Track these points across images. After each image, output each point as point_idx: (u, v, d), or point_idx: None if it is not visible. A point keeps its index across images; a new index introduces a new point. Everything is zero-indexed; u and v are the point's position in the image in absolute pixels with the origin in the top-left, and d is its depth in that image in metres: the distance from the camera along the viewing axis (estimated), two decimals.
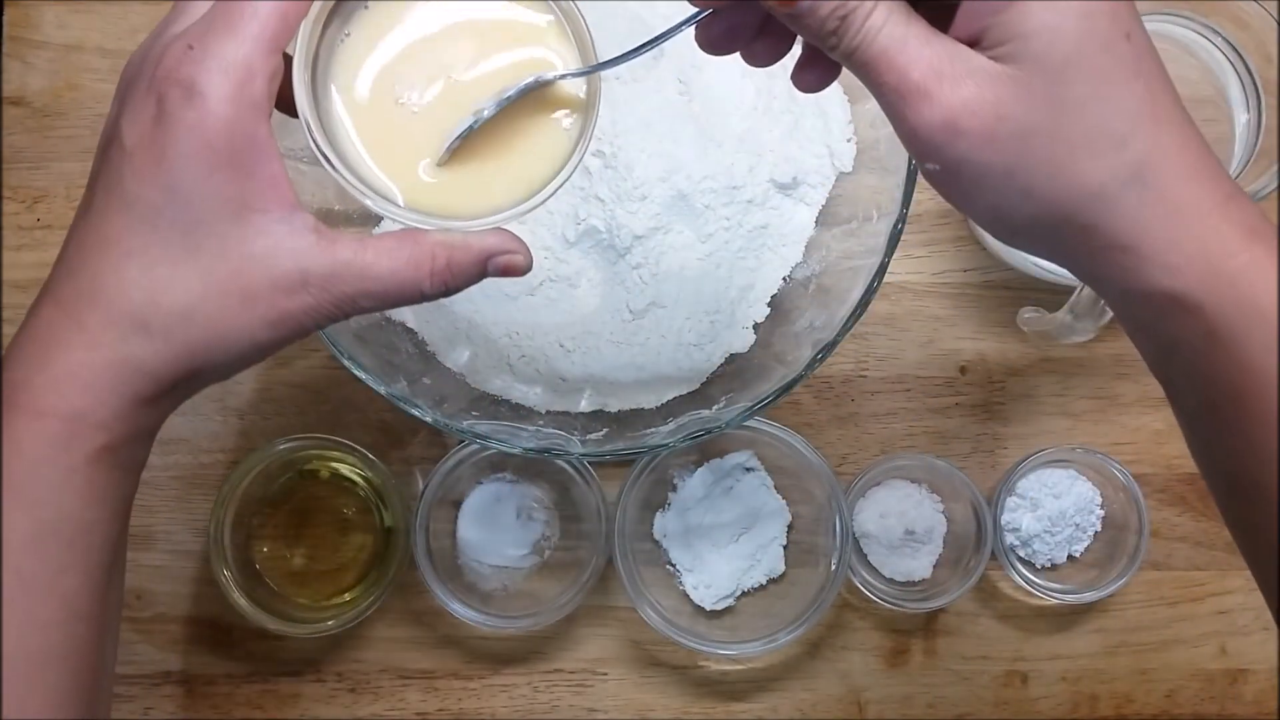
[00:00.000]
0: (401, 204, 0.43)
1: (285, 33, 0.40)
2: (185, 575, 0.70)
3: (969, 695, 0.71)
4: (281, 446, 0.66)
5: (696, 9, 0.41)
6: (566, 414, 0.65)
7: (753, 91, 0.65)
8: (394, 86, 0.43)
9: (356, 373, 0.57)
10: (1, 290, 0.70)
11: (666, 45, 0.61)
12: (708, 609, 0.69)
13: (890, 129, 0.59)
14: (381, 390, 0.57)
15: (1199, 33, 0.60)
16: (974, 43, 0.37)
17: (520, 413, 0.65)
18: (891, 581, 0.71)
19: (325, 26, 0.43)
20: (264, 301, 0.41)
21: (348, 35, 0.43)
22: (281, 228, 0.41)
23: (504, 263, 0.43)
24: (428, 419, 0.58)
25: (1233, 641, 0.71)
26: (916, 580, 0.71)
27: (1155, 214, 0.38)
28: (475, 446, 0.67)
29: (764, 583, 0.70)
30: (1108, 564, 0.71)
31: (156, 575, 0.70)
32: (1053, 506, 0.70)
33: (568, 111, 0.45)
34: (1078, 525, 0.71)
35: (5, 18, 0.71)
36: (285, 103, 0.43)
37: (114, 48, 0.71)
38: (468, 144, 0.44)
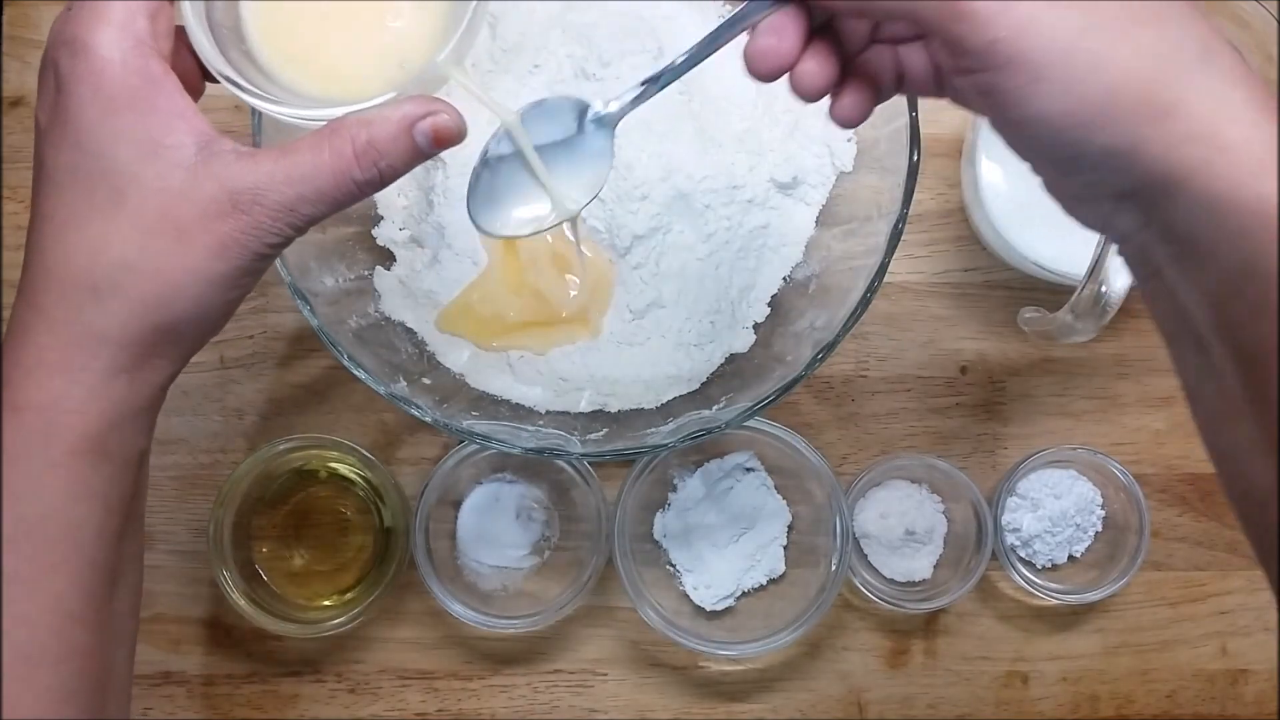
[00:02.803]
0: (307, 104, 0.42)
1: None
2: (185, 575, 0.70)
3: (969, 696, 0.71)
4: (281, 446, 0.66)
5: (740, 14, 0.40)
6: (566, 414, 0.65)
7: (753, 91, 0.65)
8: (299, 7, 0.44)
9: (356, 373, 0.57)
10: (1, 290, 0.70)
11: (666, 45, 0.62)
12: (708, 609, 0.69)
13: (891, 128, 0.60)
14: (381, 390, 0.57)
15: None
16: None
17: (520, 413, 0.65)
18: (892, 582, 0.71)
19: None
20: (199, 232, 0.40)
21: None
22: (197, 156, 0.40)
23: (430, 126, 0.40)
24: (428, 419, 0.58)
25: (1233, 642, 0.71)
26: (917, 580, 0.71)
27: (1236, 104, 0.35)
28: (475, 446, 0.67)
29: (764, 583, 0.70)
30: (1108, 564, 0.71)
31: (156, 575, 0.70)
32: (1053, 507, 0.70)
33: None
34: (1078, 525, 0.70)
35: (5, 17, 0.71)
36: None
37: None
38: (358, 23, 0.43)
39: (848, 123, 0.42)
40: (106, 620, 0.43)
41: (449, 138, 0.41)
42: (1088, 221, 0.40)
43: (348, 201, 0.41)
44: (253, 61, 0.43)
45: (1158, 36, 0.35)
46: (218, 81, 0.42)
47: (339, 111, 0.41)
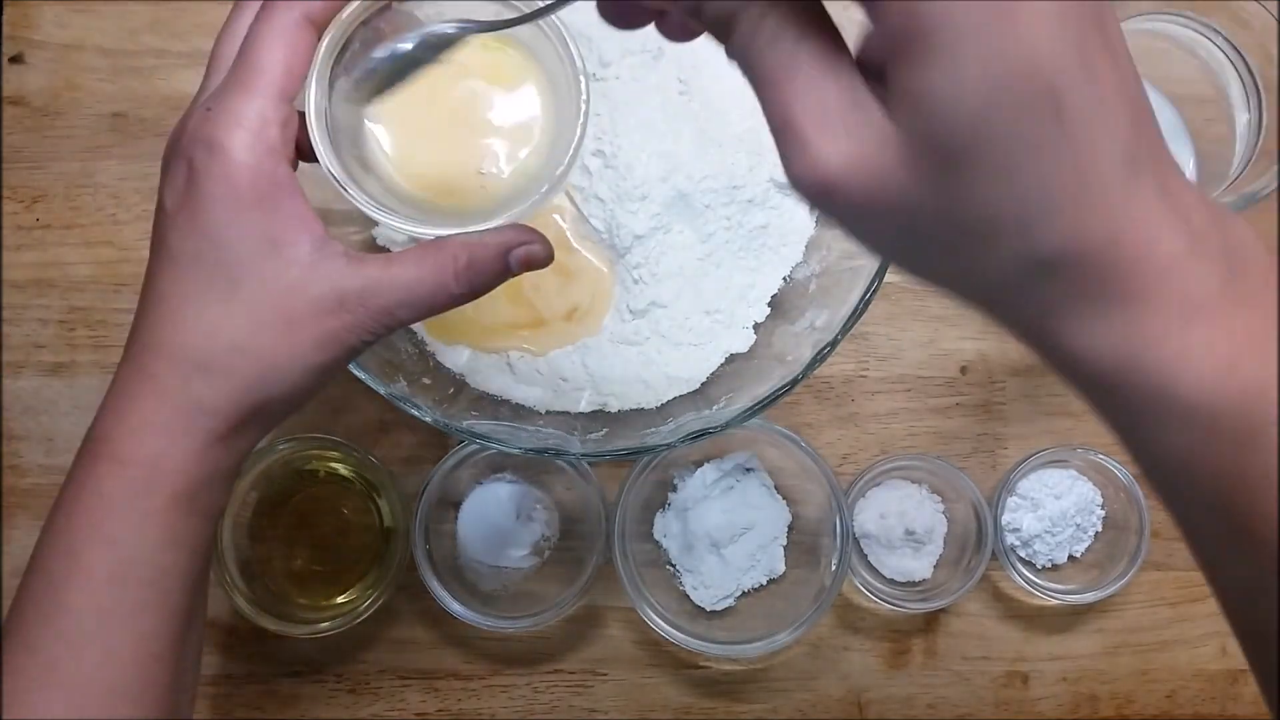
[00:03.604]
0: (418, 220, 0.46)
1: (290, 85, 0.44)
2: None
3: (969, 696, 0.71)
4: (281, 446, 0.66)
5: None
6: (566, 414, 0.65)
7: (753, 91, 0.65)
8: (417, 121, 0.48)
9: (356, 373, 0.57)
10: (1, 290, 0.70)
11: (666, 46, 0.62)
12: (708, 609, 0.69)
13: None
14: (381, 390, 0.57)
15: (1199, 32, 0.60)
16: (880, 76, 0.30)
17: (520, 413, 0.65)
18: (892, 582, 0.71)
19: (341, 79, 0.46)
20: (307, 325, 0.44)
21: (368, 91, 0.47)
22: (312, 256, 0.44)
23: (524, 255, 0.45)
24: (428, 419, 0.58)
25: (1233, 642, 0.70)
26: (917, 580, 0.71)
27: (1073, 308, 0.31)
28: (475, 446, 0.67)
29: (764, 583, 0.70)
30: (1108, 564, 0.71)
31: None
32: (1053, 507, 0.70)
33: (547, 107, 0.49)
34: (1078, 525, 0.71)
35: (5, 17, 0.71)
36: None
37: (113, 47, 0.71)
38: (462, 151, 0.48)
39: (672, 37, 0.39)
40: (179, 662, 0.46)
41: (537, 265, 0.46)
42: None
43: (439, 310, 0.45)
44: (365, 166, 0.47)
45: (987, 261, 0.31)
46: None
47: (446, 232, 0.45)
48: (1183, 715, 0.71)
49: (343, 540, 0.70)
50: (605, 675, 0.71)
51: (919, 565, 0.71)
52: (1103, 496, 0.71)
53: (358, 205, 0.45)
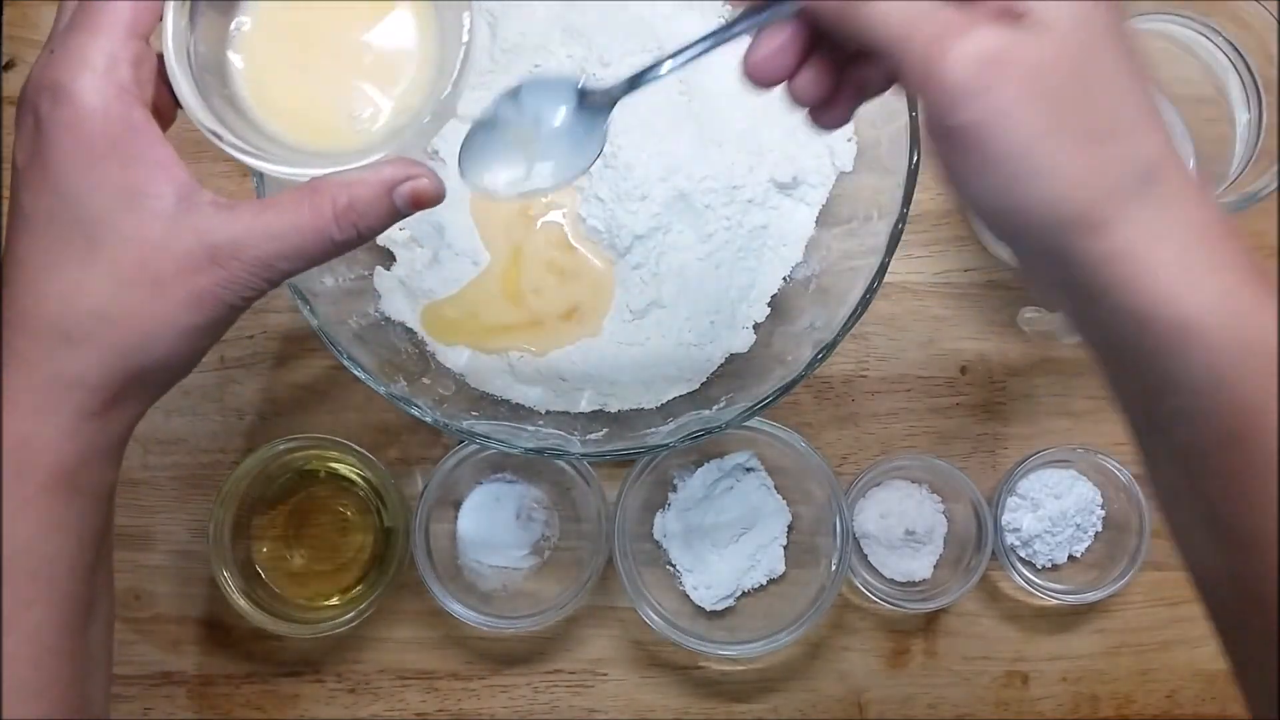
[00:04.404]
0: (290, 161, 0.42)
1: (141, 20, 0.40)
2: (185, 575, 0.70)
3: (970, 696, 0.71)
4: (281, 446, 0.66)
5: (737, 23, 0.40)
6: (566, 414, 0.65)
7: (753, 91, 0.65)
8: (286, 56, 0.44)
9: (356, 373, 0.57)
10: (1, 290, 0.70)
11: (667, 45, 0.62)
12: (708, 609, 0.69)
13: (892, 128, 0.60)
14: (381, 390, 0.57)
15: (1199, 32, 0.60)
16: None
17: (520, 413, 0.65)
18: (892, 582, 0.71)
19: (204, 13, 0.43)
20: (176, 284, 0.40)
21: (241, 23, 0.44)
22: (176, 207, 0.40)
23: (409, 191, 0.41)
24: (428, 419, 0.58)
25: None
26: (917, 580, 0.71)
27: (1168, 226, 0.36)
28: (475, 446, 0.67)
29: (764, 583, 0.70)
30: (1109, 564, 0.71)
31: (156, 575, 0.70)
32: (1053, 507, 0.70)
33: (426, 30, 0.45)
34: (1078, 525, 0.70)
35: (5, 17, 0.71)
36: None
37: None
38: (337, 87, 0.44)
39: (831, 128, 0.42)
40: (82, 652, 0.43)
41: (427, 200, 0.42)
42: (1038, 289, 0.41)
43: (324, 258, 0.41)
44: (234, 106, 0.43)
45: (1109, 155, 0.36)
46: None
47: (321, 171, 0.41)
48: (1183, 715, 0.71)
49: (343, 540, 0.70)
50: (605, 675, 0.71)
51: (919, 565, 0.71)
52: (1103, 496, 0.71)
53: (223, 148, 0.41)
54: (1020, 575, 0.69)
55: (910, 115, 0.57)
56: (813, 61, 0.40)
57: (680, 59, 0.42)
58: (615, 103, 0.44)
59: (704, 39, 0.42)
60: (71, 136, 0.39)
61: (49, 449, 0.41)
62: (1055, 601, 0.70)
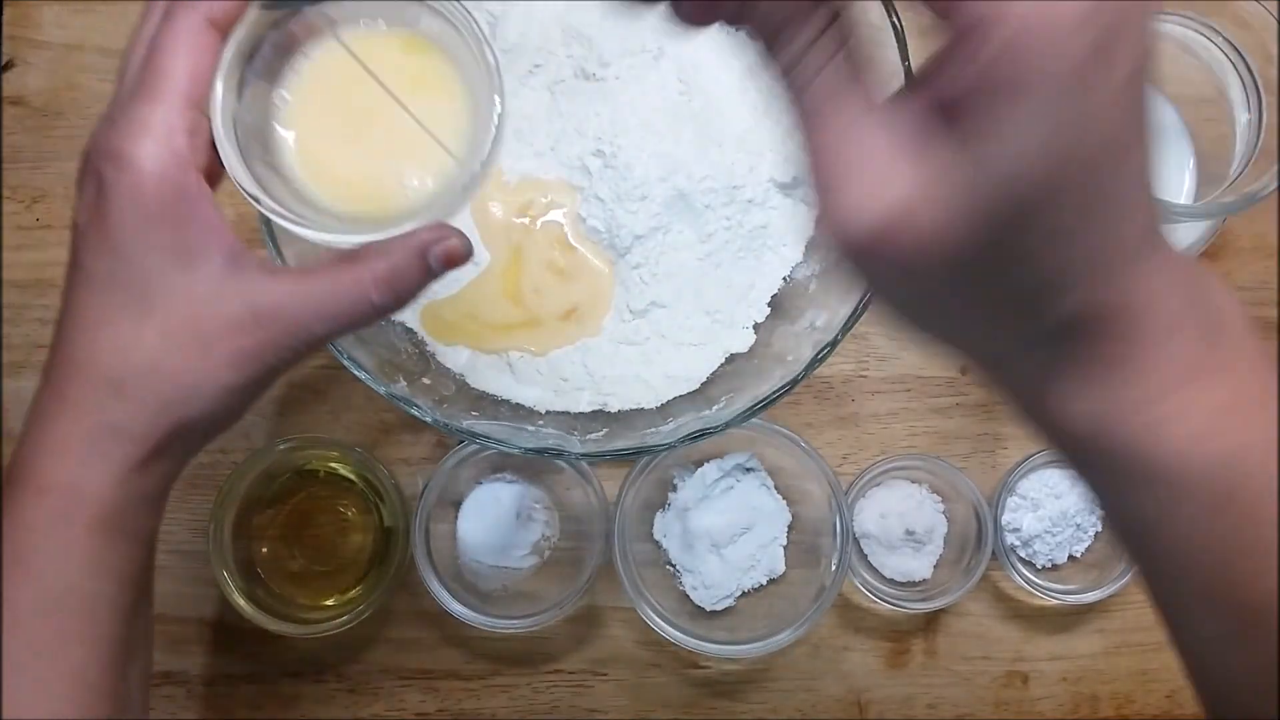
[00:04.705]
0: (331, 229, 0.45)
1: (196, 90, 0.43)
2: (185, 575, 0.70)
3: (970, 696, 0.71)
4: (281, 447, 0.66)
5: None
6: (566, 414, 0.65)
7: (754, 91, 0.65)
8: (327, 127, 0.47)
9: (356, 373, 0.57)
10: (1, 290, 0.70)
11: (666, 45, 0.62)
12: (708, 609, 0.69)
13: None
14: (381, 390, 0.57)
15: (1199, 32, 0.60)
16: (943, 109, 0.28)
17: (520, 413, 0.65)
18: (892, 582, 0.71)
19: (253, 84, 0.45)
20: (221, 344, 0.42)
21: (285, 95, 0.46)
22: (225, 270, 0.42)
23: (442, 251, 0.43)
24: (428, 419, 0.58)
25: None
26: (917, 580, 0.71)
27: (1067, 372, 0.31)
28: (475, 446, 0.67)
29: (764, 583, 0.70)
30: (1108, 564, 0.71)
31: (157, 575, 0.69)
32: (1053, 507, 0.70)
33: (461, 104, 0.47)
34: (1078, 525, 0.70)
35: (5, 17, 0.71)
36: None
37: (114, 48, 0.71)
38: (376, 157, 0.47)
39: (693, 21, 0.32)
40: (122, 693, 0.45)
41: (458, 259, 0.44)
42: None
43: (363, 323, 0.44)
44: (277, 172, 0.46)
45: (1026, 325, 0.31)
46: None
47: (360, 239, 0.43)
48: (1183, 715, 0.71)
49: (343, 540, 0.70)
50: (605, 675, 0.71)
51: (919, 565, 0.71)
52: None
53: (268, 214, 0.43)
54: (1020, 575, 0.69)
55: None
56: None
57: None
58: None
59: None
60: (130, 200, 0.42)
61: (96, 495, 0.43)
62: (1055, 601, 0.70)
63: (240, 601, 0.66)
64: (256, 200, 0.43)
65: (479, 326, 0.65)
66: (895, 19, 0.58)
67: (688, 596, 0.70)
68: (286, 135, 0.46)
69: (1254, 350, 0.33)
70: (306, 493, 0.70)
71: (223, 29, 0.43)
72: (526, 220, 0.65)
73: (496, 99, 0.45)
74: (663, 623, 0.67)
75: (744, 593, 0.70)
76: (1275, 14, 0.57)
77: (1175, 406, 0.31)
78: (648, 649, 0.71)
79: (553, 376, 0.65)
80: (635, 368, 0.65)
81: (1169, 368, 0.31)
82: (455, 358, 0.65)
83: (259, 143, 0.45)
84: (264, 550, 0.70)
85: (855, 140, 0.28)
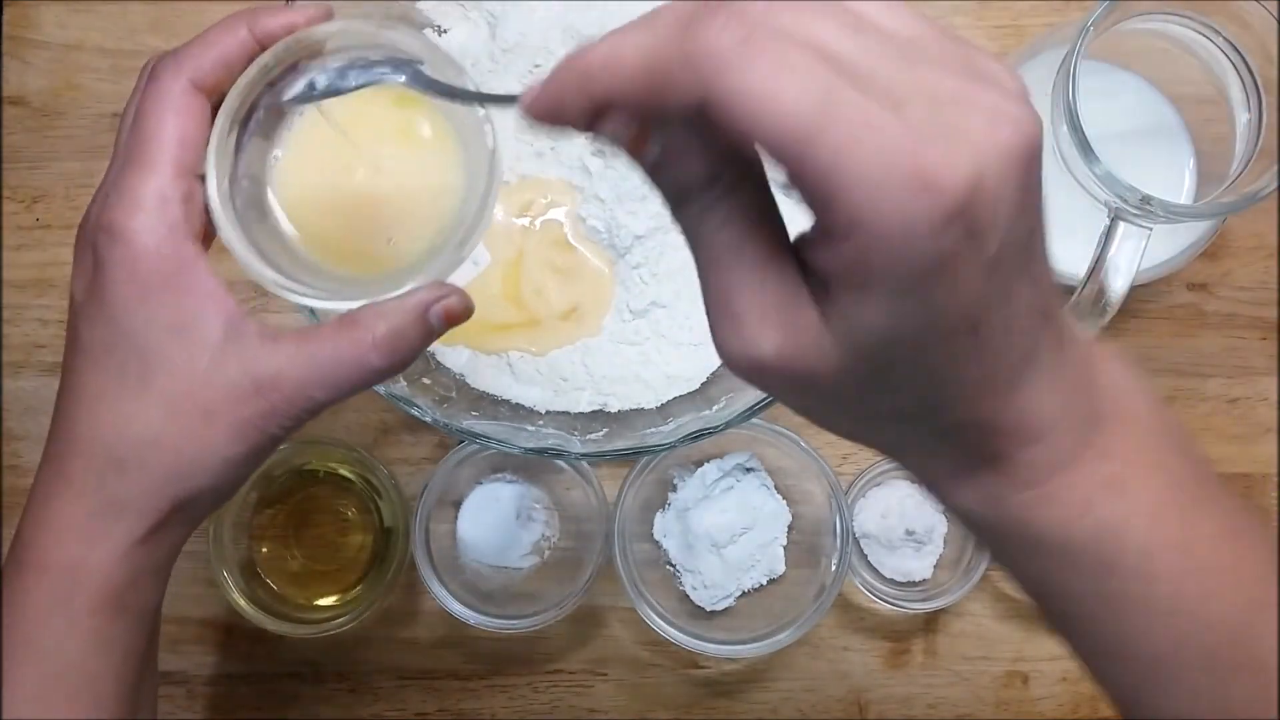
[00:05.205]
0: (327, 295, 0.45)
1: (187, 156, 0.42)
2: (185, 575, 0.69)
3: (970, 696, 0.71)
4: (282, 447, 0.66)
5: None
6: (566, 414, 0.65)
7: None
8: (319, 188, 0.46)
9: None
10: (1, 290, 0.70)
11: None
12: (707, 609, 0.69)
13: None
14: (381, 390, 0.57)
15: (1199, 32, 0.60)
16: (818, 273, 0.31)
17: (520, 413, 0.65)
18: (892, 581, 0.71)
19: (248, 146, 0.44)
20: (223, 415, 0.42)
21: (278, 155, 0.46)
22: (224, 339, 0.42)
23: (442, 310, 0.44)
24: (428, 419, 0.58)
25: None
26: (917, 580, 0.71)
27: (953, 471, 0.35)
28: (475, 446, 0.67)
29: (764, 583, 0.70)
30: None
31: None
32: None
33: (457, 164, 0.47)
34: None
35: (5, 17, 0.71)
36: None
37: (114, 47, 0.71)
38: (371, 217, 0.47)
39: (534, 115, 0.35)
40: None
41: (458, 317, 0.44)
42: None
43: (365, 386, 0.44)
44: (275, 237, 0.45)
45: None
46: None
47: (359, 302, 0.43)
48: None
49: (343, 540, 0.70)
50: (605, 675, 0.71)
51: (919, 565, 0.71)
52: None
53: (264, 283, 0.43)
54: None
55: None
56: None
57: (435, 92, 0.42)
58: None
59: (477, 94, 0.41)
60: (127, 274, 0.41)
61: (98, 572, 0.42)
62: None
63: (240, 601, 0.66)
64: (250, 267, 0.43)
65: (479, 327, 0.65)
66: None
67: (688, 596, 0.70)
68: (281, 197, 0.46)
69: (1146, 427, 0.35)
70: (306, 493, 0.70)
71: (208, 90, 0.43)
72: (526, 220, 0.65)
73: (487, 131, 0.44)
74: (663, 623, 0.67)
75: (744, 593, 0.70)
76: (1275, 14, 0.57)
77: (1051, 490, 0.34)
78: (648, 649, 0.71)
79: (553, 376, 0.65)
80: (635, 368, 0.65)
81: (1043, 461, 0.34)
82: (455, 358, 0.65)
83: (256, 206, 0.45)
84: (264, 550, 0.70)
85: (746, 293, 0.31)
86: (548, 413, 0.65)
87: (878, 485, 0.71)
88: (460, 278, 0.65)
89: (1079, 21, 0.57)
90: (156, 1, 0.71)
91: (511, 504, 0.70)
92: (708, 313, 0.32)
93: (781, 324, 0.31)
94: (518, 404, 0.65)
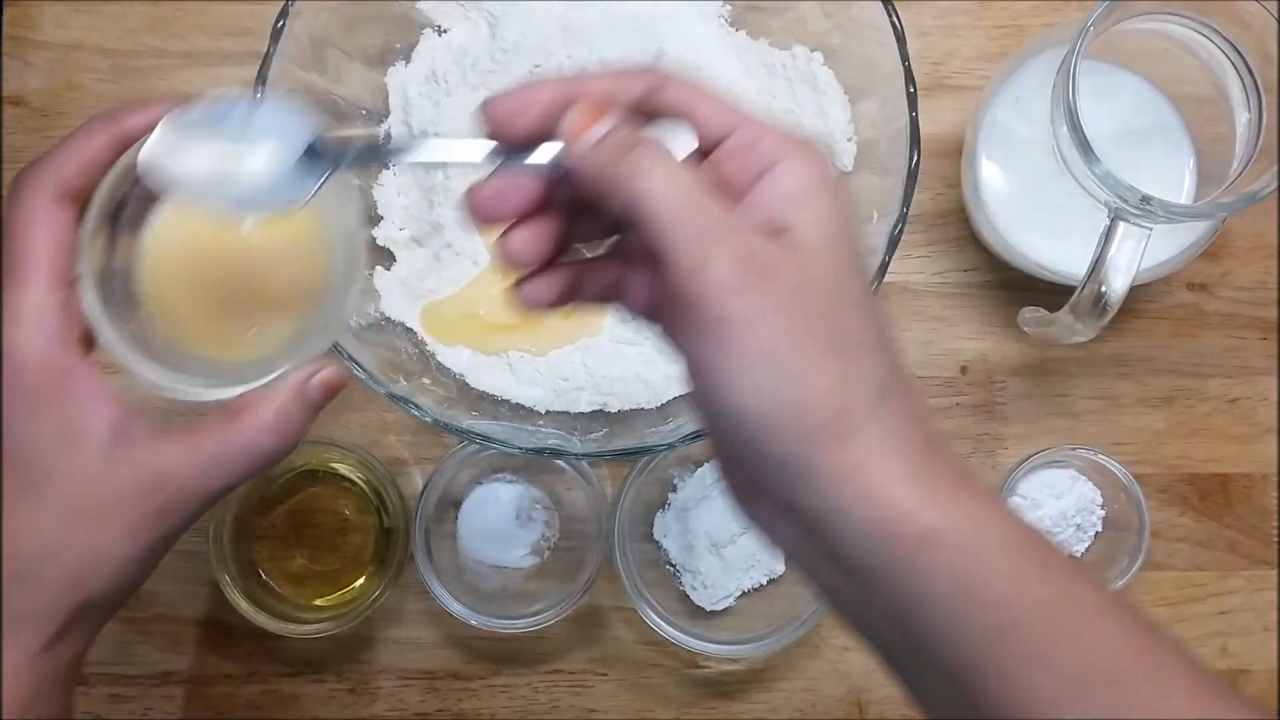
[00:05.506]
0: (208, 385, 0.46)
1: (61, 264, 0.43)
2: (185, 575, 0.70)
3: None
4: None
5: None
6: (566, 414, 0.65)
7: (753, 92, 0.65)
8: (187, 277, 0.47)
9: (356, 373, 0.57)
10: (1, 289, 0.70)
11: (666, 45, 0.61)
12: (707, 609, 0.69)
13: (891, 128, 0.60)
14: (381, 390, 0.57)
15: (1199, 32, 0.60)
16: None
17: (520, 413, 0.65)
18: None
19: (119, 242, 0.45)
20: (117, 517, 0.43)
21: (147, 246, 0.46)
22: (112, 442, 0.43)
23: (318, 385, 0.45)
24: (428, 419, 0.58)
25: (1233, 642, 0.71)
26: None
27: (900, 441, 0.37)
28: (475, 446, 0.67)
29: (764, 583, 0.70)
30: (1108, 564, 0.71)
31: (156, 575, 0.68)
32: (1054, 507, 0.70)
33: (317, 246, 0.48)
34: (1079, 526, 0.70)
35: (5, 17, 0.71)
36: None
37: (114, 47, 0.71)
38: (241, 300, 0.48)
39: (526, 302, 0.42)
40: None
41: (336, 388, 0.46)
42: (756, 518, 0.40)
43: (257, 471, 0.45)
44: (150, 329, 0.46)
45: (853, 370, 0.37)
46: None
47: (237, 391, 0.44)
48: None
49: (343, 540, 0.70)
50: (605, 675, 0.71)
51: None
52: (1103, 496, 0.71)
53: (144, 382, 0.44)
54: None
55: (911, 116, 0.57)
56: (538, 224, 0.41)
57: (423, 159, 0.42)
58: (336, 167, 0.42)
59: (456, 161, 0.41)
60: (10, 388, 0.42)
61: (6, 687, 0.42)
62: None
63: (240, 601, 0.66)
64: (128, 363, 0.44)
65: (479, 326, 0.65)
66: (895, 19, 0.58)
67: (688, 596, 0.70)
68: (152, 288, 0.46)
69: (949, 470, 0.38)
70: (306, 493, 0.70)
71: (74, 195, 0.43)
72: None
73: (350, 211, 0.46)
74: (663, 623, 0.67)
75: (744, 593, 0.70)
76: (1275, 14, 0.57)
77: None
78: (648, 649, 0.71)
79: (553, 376, 0.65)
80: (635, 368, 0.65)
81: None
82: (455, 358, 0.65)
83: (130, 301, 0.46)
84: (264, 550, 0.70)
85: (726, 220, 0.37)
86: (548, 413, 0.65)
87: None
88: (461, 278, 0.66)
89: (1079, 21, 0.57)
90: (156, 1, 0.71)
91: (511, 504, 0.70)
92: (675, 252, 0.36)
93: (759, 228, 0.38)
94: (518, 404, 0.65)
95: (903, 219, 0.58)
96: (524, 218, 0.41)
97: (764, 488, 0.38)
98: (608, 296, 0.43)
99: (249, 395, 0.44)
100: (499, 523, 0.70)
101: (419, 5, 0.66)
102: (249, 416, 0.44)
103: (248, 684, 0.70)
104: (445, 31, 0.67)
